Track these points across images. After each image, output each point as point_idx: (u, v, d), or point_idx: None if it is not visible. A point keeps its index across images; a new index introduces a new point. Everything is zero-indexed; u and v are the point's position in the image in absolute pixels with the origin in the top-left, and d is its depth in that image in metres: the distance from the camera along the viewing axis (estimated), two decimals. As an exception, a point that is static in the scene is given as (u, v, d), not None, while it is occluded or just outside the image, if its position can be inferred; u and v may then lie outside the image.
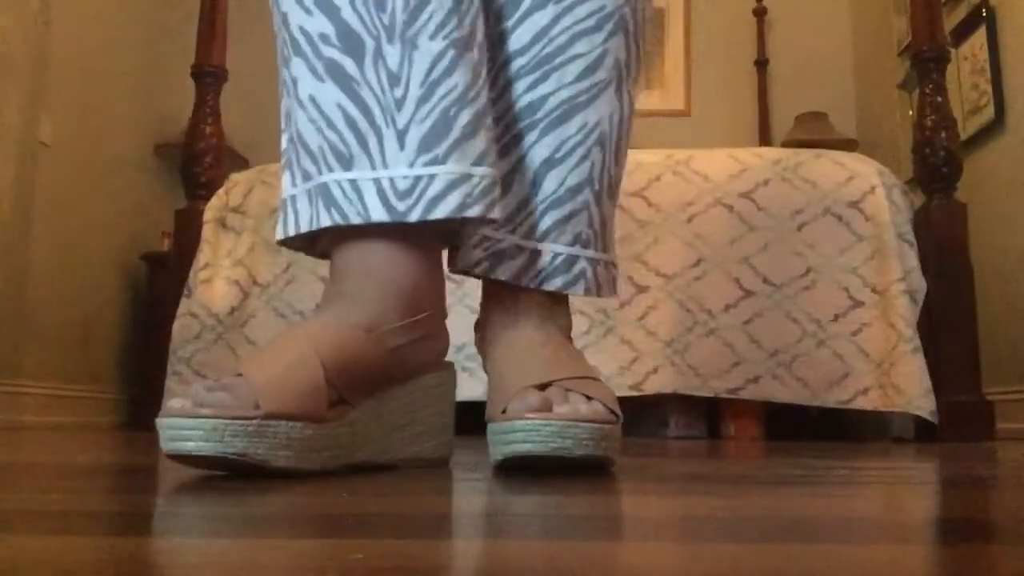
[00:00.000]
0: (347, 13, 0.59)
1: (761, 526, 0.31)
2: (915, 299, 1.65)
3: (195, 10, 2.01)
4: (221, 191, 1.89)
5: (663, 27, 3.45)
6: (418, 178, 0.58)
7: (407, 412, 0.61)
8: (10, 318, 2.49)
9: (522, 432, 0.55)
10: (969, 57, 2.68)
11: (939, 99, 1.77)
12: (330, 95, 0.60)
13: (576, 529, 0.30)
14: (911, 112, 2.93)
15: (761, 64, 3.37)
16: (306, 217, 0.61)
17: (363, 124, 0.59)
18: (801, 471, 0.60)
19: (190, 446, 0.48)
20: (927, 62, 1.78)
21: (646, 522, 0.33)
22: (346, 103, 0.59)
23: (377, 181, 0.58)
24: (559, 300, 0.69)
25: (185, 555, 0.24)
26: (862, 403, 1.61)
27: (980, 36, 2.61)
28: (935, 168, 1.75)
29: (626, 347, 1.67)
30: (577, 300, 1.69)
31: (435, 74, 0.59)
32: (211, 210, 1.87)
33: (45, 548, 0.25)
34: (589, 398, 0.58)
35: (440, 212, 0.58)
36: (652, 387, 1.64)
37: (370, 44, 0.59)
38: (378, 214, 0.58)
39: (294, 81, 0.62)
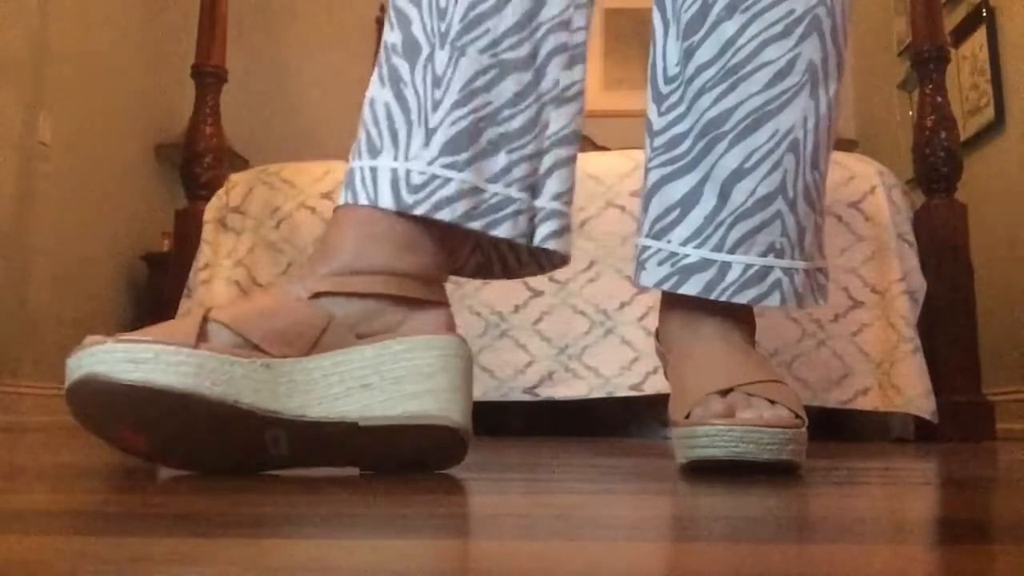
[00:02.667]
0: (415, 25, 0.62)
1: (760, 526, 0.31)
2: (915, 299, 1.65)
3: (195, 10, 2.01)
4: (221, 191, 1.89)
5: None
6: (434, 176, 0.59)
7: (373, 372, 0.55)
8: (10, 318, 2.49)
9: (705, 438, 0.57)
10: (969, 57, 2.68)
11: (939, 99, 1.77)
12: (383, 96, 0.62)
13: (562, 529, 0.30)
14: (911, 112, 2.93)
15: (761, 64, 3.37)
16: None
17: (399, 120, 0.61)
18: (801, 471, 0.60)
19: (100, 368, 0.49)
20: (927, 62, 1.78)
21: (639, 522, 0.33)
22: (391, 102, 0.62)
23: (394, 171, 0.60)
24: (742, 306, 0.67)
25: (185, 555, 0.24)
26: (862, 403, 1.61)
27: (980, 36, 2.61)
28: (935, 168, 1.75)
29: (626, 347, 1.67)
30: (576, 300, 1.69)
31: (476, 84, 0.60)
32: (211, 210, 1.87)
33: (45, 548, 0.25)
34: (773, 402, 0.58)
35: (445, 215, 0.59)
36: (652, 387, 1.64)
37: (425, 49, 0.61)
38: (385, 199, 0.59)
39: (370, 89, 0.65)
